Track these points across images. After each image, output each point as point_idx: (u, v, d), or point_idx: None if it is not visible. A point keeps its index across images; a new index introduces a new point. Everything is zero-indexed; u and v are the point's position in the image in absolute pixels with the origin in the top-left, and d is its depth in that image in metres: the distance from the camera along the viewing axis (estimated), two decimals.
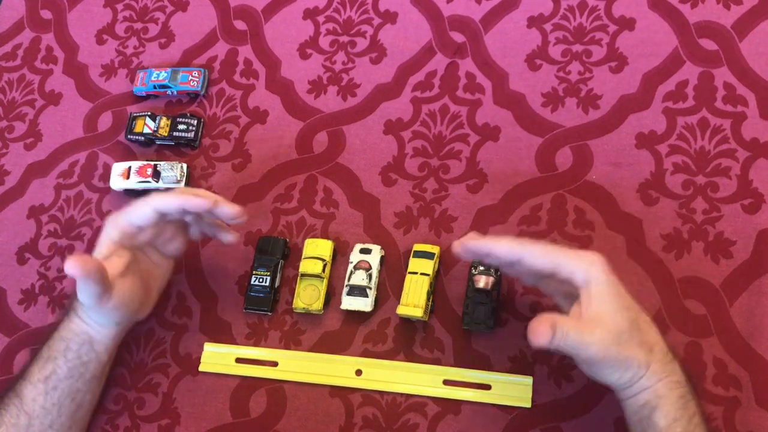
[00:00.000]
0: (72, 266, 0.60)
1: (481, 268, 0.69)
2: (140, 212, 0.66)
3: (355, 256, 0.73)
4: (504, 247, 0.58)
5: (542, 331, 0.54)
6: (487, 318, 0.68)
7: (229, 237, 0.72)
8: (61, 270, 0.81)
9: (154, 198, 0.66)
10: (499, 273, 0.69)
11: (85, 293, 0.63)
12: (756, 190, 0.69)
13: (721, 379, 0.64)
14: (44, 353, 0.67)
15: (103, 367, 0.70)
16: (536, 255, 0.57)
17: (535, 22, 0.80)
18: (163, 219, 0.67)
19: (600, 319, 0.55)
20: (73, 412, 0.68)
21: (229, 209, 0.66)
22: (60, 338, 0.68)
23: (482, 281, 0.69)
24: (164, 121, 0.82)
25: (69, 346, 0.67)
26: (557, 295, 0.62)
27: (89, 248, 0.79)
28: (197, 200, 0.65)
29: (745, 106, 0.72)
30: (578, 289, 0.56)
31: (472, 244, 0.59)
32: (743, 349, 0.64)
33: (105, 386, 0.74)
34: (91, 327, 0.68)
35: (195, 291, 0.77)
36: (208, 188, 0.80)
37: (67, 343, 0.67)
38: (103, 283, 0.63)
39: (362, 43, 0.83)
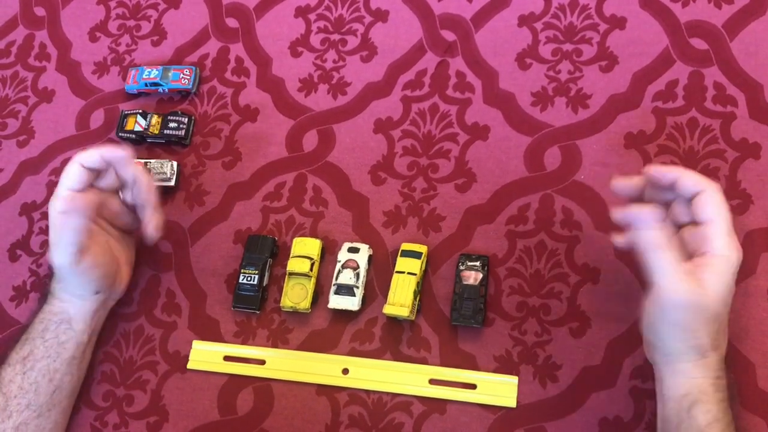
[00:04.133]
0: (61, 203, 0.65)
1: (469, 263, 0.69)
2: (70, 173, 0.67)
3: (343, 255, 0.73)
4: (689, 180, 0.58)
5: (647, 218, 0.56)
6: (475, 313, 0.68)
7: (151, 229, 0.71)
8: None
9: (77, 155, 0.67)
10: (486, 268, 0.69)
11: (64, 246, 0.65)
12: (744, 190, 0.69)
13: None
14: (23, 337, 0.69)
15: (83, 349, 0.71)
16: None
17: (525, 20, 0.79)
18: (93, 179, 0.68)
19: (709, 282, 0.55)
20: (51, 393, 0.68)
21: (142, 181, 0.68)
22: (39, 321, 0.69)
23: (471, 277, 0.69)
24: (155, 119, 0.83)
25: (47, 327, 0.69)
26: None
27: None
28: (115, 151, 0.67)
29: (735, 106, 0.71)
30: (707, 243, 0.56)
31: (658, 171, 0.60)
32: (729, 351, 0.63)
33: (94, 383, 0.75)
34: (71, 303, 0.70)
35: (184, 289, 0.77)
36: (198, 186, 0.80)
37: (45, 324, 0.69)
38: (81, 232, 0.65)
39: (353, 42, 0.83)
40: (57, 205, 0.66)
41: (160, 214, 0.71)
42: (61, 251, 0.66)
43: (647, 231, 0.56)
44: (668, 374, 0.57)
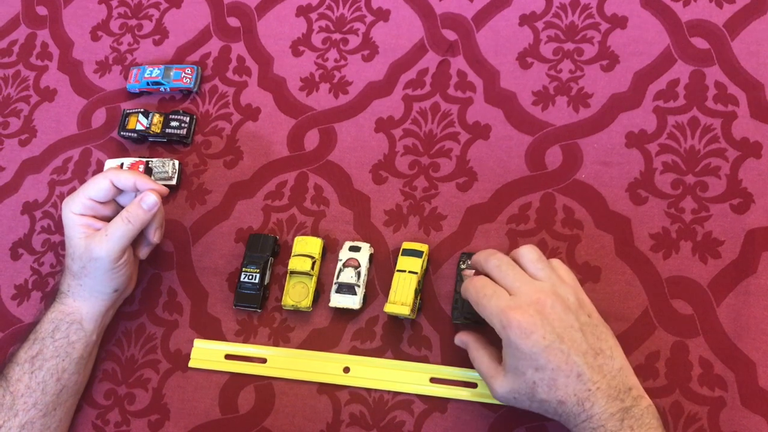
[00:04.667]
0: (153, 198, 0.69)
1: (470, 262, 0.69)
2: (98, 185, 0.69)
3: (344, 254, 0.73)
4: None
5: (457, 339, 0.66)
6: (477, 312, 0.67)
7: (153, 236, 0.73)
8: (54, 265, 0.81)
9: (110, 172, 0.70)
10: None
11: (116, 240, 0.68)
12: (745, 189, 0.69)
13: (707, 379, 0.64)
14: (31, 336, 0.69)
15: (91, 349, 0.72)
16: (466, 289, 0.62)
17: (527, 20, 0.79)
18: (115, 195, 0.71)
19: (506, 369, 0.59)
20: (58, 393, 0.69)
21: (153, 198, 0.70)
22: (49, 321, 0.70)
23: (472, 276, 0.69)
24: (157, 118, 0.83)
25: (58, 327, 0.69)
26: None
27: None
28: (150, 184, 0.70)
29: (736, 105, 0.71)
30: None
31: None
32: (729, 349, 0.64)
33: (95, 381, 0.75)
34: (85, 302, 0.70)
35: (185, 287, 0.77)
36: (200, 185, 0.81)
37: (56, 324, 0.69)
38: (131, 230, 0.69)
39: (354, 41, 0.83)
40: (73, 207, 0.69)
41: (161, 235, 0.74)
42: (109, 245, 0.67)
43: (458, 336, 0.66)
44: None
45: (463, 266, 0.70)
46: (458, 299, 0.69)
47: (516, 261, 0.61)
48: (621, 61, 0.75)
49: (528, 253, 0.61)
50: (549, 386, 0.56)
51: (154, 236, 0.73)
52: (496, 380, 0.60)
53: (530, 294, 0.57)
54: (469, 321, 0.68)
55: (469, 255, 0.70)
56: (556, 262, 0.62)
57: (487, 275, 0.62)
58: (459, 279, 0.69)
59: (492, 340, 0.63)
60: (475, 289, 0.60)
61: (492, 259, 0.61)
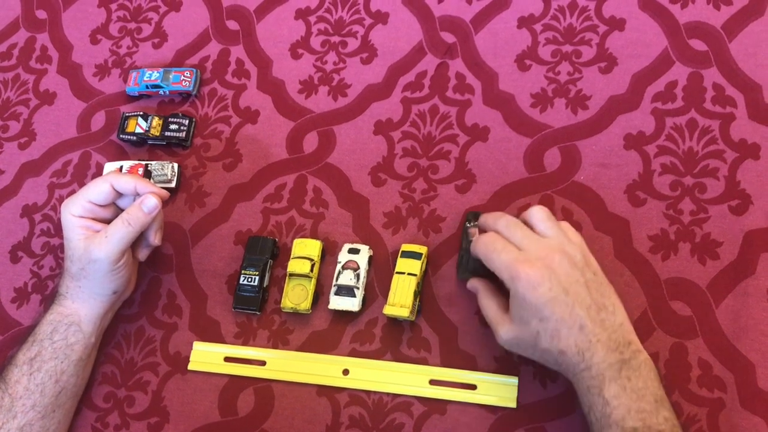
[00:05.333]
0: (154, 201, 0.69)
1: (475, 222, 0.69)
2: (98, 188, 0.69)
3: (343, 256, 0.73)
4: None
5: (469, 284, 0.67)
6: (482, 268, 0.65)
7: (153, 238, 0.73)
8: (53, 268, 0.81)
9: (111, 175, 0.70)
10: None
11: (116, 242, 0.68)
12: (743, 191, 0.69)
13: (706, 380, 0.64)
14: (29, 338, 0.70)
15: (90, 351, 0.72)
16: (476, 245, 0.63)
17: (525, 22, 0.80)
18: (115, 198, 0.71)
19: (512, 318, 0.61)
20: (56, 395, 0.69)
21: (155, 201, 0.69)
22: (48, 323, 0.70)
23: (477, 234, 0.68)
24: (156, 121, 0.83)
25: (56, 329, 0.69)
26: None
27: None
28: (151, 188, 0.70)
29: (734, 107, 0.71)
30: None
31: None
32: (728, 350, 0.64)
33: (95, 384, 0.75)
34: (84, 304, 0.70)
35: (185, 290, 0.77)
36: (199, 187, 0.81)
37: (54, 326, 0.70)
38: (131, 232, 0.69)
39: (353, 44, 0.84)
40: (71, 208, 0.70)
41: (161, 237, 0.74)
42: (109, 247, 0.67)
43: (471, 282, 0.68)
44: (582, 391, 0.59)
45: (468, 225, 0.70)
46: (464, 255, 0.69)
47: (525, 222, 0.63)
48: (619, 63, 0.76)
49: (537, 212, 0.63)
50: (552, 336, 0.58)
51: (155, 238, 0.73)
52: (502, 327, 0.61)
53: (539, 249, 0.59)
54: (473, 276, 0.68)
55: (476, 214, 0.70)
56: (564, 224, 0.63)
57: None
58: (465, 235, 0.70)
59: (500, 289, 0.64)
60: (485, 244, 0.62)
61: (501, 220, 0.63)
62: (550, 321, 0.57)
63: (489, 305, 0.64)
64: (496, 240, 0.61)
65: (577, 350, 0.57)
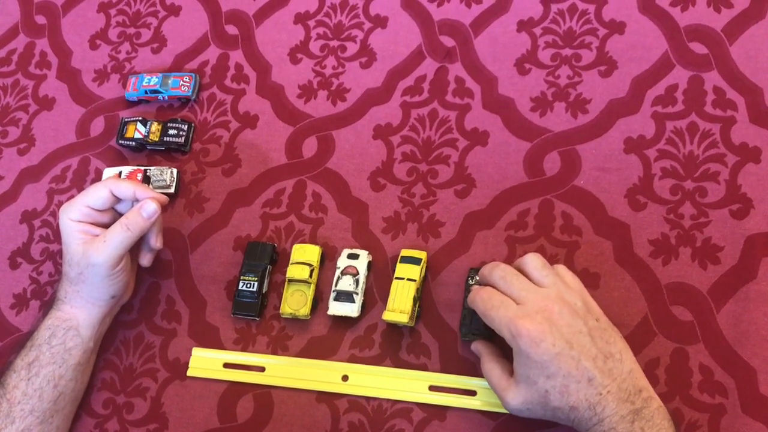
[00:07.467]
0: (153, 206, 0.69)
1: (479, 278, 0.69)
2: (97, 194, 0.69)
3: (342, 262, 0.73)
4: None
5: (473, 346, 0.66)
6: (485, 328, 0.65)
7: (155, 242, 0.73)
8: (52, 274, 0.81)
9: (110, 181, 0.70)
10: None
11: (113, 247, 0.67)
12: (744, 195, 0.68)
13: (707, 386, 0.63)
14: (28, 343, 0.70)
15: (89, 355, 0.72)
16: (473, 301, 0.62)
17: (524, 26, 0.79)
18: (114, 204, 0.71)
19: (518, 380, 0.59)
20: (55, 399, 0.68)
21: (154, 206, 0.70)
22: (46, 327, 0.70)
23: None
24: (155, 126, 0.83)
25: (55, 333, 0.69)
26: None
27: None
28: (150, 194, 0.70)
29: (735, 110, 0.71)
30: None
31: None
32: (730, 356, 0.64)
33: (94, 390, 0.75)
34: (82, 309, 0.70)
35: (184, 296, 0.77)
36: (198, 193, 0.81)
37: (53, 330, 0.69)
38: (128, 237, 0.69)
39: (352, 48, 0.83)
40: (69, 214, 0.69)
41: (160, 243, 0.74)
42: (107, 251, 0.67)
43: (474, 344, 0.66)
44: None
45: (471, 282, 0.69)
46: (466, 315, 0.68)
47: (520, 270, 0.62)
48: (619, 66, 0.75)
49: (532, 260, 0.61)
50: (561, 393, 0.56)
51: (156, 242, 0.73)
52: (508, 392, 0.60)
53: (537, 302, 0.58)
54: (477, 337, 0.67)
55: (477, 270, 0.69)
56: (561, 268, 0.62)
57: (493, 287, 0.62)
58: (468, 293, 0.68)
59: (503, 353, 0.63)
60: (482, 300, 0.60)
61: (496, 271, 0.61)
62: (558, 377, 0.56)
63: (492, 371, 0.62)
64: (493, 295, 0.60)
65: (588, 405, 0.56)
